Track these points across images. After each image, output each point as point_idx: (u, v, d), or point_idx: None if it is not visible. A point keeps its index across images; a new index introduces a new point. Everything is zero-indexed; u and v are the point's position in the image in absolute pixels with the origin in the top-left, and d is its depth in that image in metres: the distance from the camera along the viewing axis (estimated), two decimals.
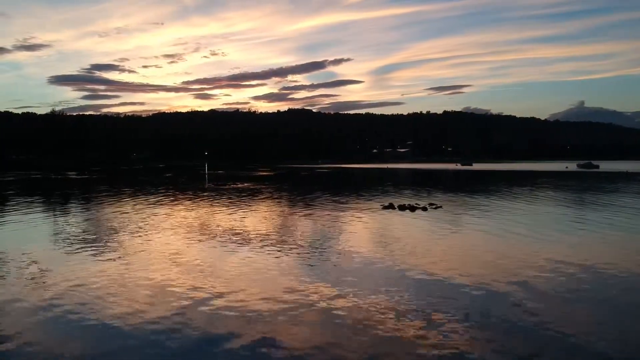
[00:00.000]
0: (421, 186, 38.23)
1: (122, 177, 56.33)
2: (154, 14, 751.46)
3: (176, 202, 25.50)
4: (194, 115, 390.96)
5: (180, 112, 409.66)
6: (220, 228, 16.35)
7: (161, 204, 24.04)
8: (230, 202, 24.48)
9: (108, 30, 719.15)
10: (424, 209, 20.78)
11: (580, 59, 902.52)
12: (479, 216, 18.47)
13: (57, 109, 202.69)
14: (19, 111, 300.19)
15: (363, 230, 15.47)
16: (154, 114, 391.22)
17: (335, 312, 9.04)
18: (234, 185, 37.34)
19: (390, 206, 21.62)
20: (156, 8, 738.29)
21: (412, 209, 20.77)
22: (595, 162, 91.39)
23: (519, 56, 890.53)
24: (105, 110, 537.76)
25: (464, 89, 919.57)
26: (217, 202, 24.64)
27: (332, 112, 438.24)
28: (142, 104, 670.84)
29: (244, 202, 24.92)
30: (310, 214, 19.85)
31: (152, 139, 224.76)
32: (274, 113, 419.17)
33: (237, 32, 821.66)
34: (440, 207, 21.41)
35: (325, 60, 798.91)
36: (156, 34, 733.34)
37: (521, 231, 14.75)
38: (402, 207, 21.08)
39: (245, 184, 39.55)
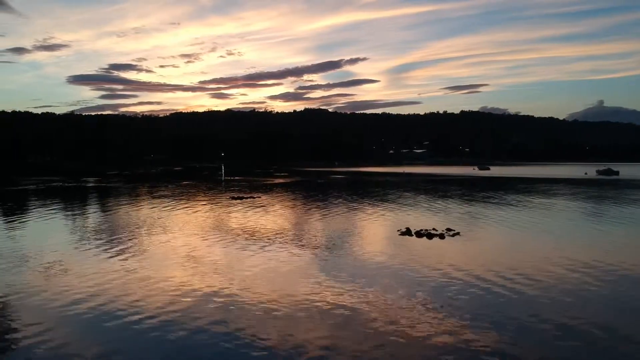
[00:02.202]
0: (437, 199, 38.04)
1: (140, 185, 56.75)
2: (170, 14, 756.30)
3: (196, 218, 25.55)
4: (210, 114, 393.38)
5: (197, 112, 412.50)
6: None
7: (180, 219, 24.16)
8: (245, 224, 24.49)
9: (126, 30, 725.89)
10: (441, 236, 20.65)
11: (599, 57, 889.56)
12: (496, 252, 18.33)
13: (76, 108, 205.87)
14: (39, 111, 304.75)
15: (376, 265, 15.29)
16: (171, 114, 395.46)
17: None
18: (251, 198, 37.50)
19: (407, 232, 21.53)
20: (173, 8, 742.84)
21: (430, 236, 20.68)
22: (615, 168, 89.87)
23: (536, 55, 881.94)
24: (123, 109, 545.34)
25: (481, 89, 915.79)
26: (236, 222, 24.69)
27: (348, 112, 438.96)
28: (159, 103, 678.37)
29: (258, 222, 24.90)
30: (322, 235, 19.80)
31: (169, 140, 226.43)
32: (290, 113, 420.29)
33: (253, 32, 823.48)
34: (458, 233, 21.26)
35: (341, 60, 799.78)
36: (173, 34, 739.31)
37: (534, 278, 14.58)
38: (419, 234, 20.98)
39: (262, 196, 39.71)
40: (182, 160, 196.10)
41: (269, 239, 20.14)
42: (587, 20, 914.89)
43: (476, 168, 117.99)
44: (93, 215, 27.95)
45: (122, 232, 22.22)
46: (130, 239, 20.28)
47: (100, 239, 20.29)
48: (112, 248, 18.42)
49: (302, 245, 18.78)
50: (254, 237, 20.62)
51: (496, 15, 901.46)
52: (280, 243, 19.27)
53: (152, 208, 31.58)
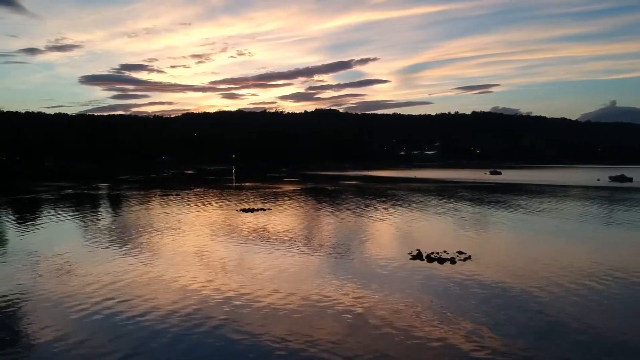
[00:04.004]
0: (449, 212, 37.92)
1: (151, 193, 57.06)
2: (181, 15, 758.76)
3: (204, 235, 25.62)
4: (221, 115, 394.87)
5: (208, 112, 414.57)
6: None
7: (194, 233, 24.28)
8: (255, 245, 24.50)
9: (137, 30, 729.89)
10: (452, 261, 20.55)
11: (611, 57, 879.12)
12: (507, 281, 18.15)
13: (88, 109, 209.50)
14: (51, 111, 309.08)
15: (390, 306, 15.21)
16: (182, 114, 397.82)
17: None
18: (262, 210, 37.55)
19: (419, 256, 21.41)
20: (184, 9, 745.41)
21: (441, 260, 20.58)
22: (628, 174, 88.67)
23: (548, 55, 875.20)
24: (134, 109, 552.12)
25: (493, 89, 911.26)
26: (246, 246, 24.73)
27: (359, 112, 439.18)
28: (170, 103, 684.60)
29: (266, 239, 24.92)
30: (332, 257, 19.72)
31: (180, 141, 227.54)
32: (301, 113, 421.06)
33: (264, 32, 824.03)
34: (469, 257, 21.13)
35: (352, 60, 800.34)
36: (184, 34, 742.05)
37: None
38: (430, 259, 20.88)
39: (272, 208, 39.71)
40: (193, 161, 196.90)
41: (272, 257, 20.10)
42: (600, 20, 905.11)
43: (487, 172, 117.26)
44: (105, 229, 28.04)
45: (134, 244, 22.31)
46: (141, 251, 20.42)
47: (114, 251, 20.41)
48: (124, 256, 18.55)
49: (308, 263, 18.69)
50: (261, 256, 20.59)
51: (508, 15, 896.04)
52: (281, 265, 19.18)
53: (161, 222, 31.64)
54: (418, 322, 12.80)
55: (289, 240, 25.53)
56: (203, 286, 15.91)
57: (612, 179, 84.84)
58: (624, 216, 35.85)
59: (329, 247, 23.69)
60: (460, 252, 21.99)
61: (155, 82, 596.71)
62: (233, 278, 17.24)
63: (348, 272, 18.52)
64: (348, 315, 13.39)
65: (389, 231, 28.98)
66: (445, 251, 22.14)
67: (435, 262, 20.39)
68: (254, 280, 17.04)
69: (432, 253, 21.73)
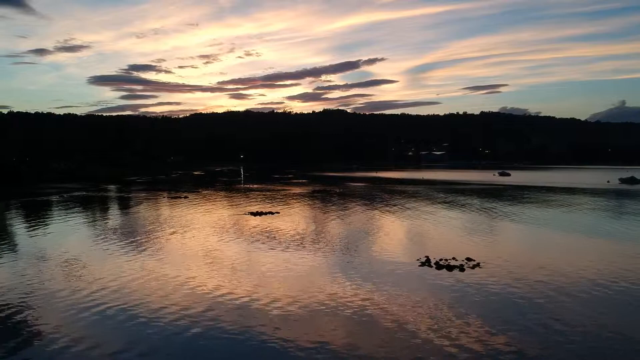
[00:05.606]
0: (457, 216, 37.81)
1: (159, 195, 57.29)
2: (189, 15, 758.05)
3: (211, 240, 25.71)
4: (229, 115, 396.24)
5: (216, 113, 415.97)
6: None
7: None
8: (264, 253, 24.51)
9: (145, 31, 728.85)
10: (461, 268, 20.44)
11: (621, 57, 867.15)
12: (514, 291, 18.03)
13: (97, 109, 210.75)
14: (60, 112, 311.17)
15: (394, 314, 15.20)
16: (190, 115, 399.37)
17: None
18: (270, 214, 37.58)
19: (427, 262, 21.36)
20: (192, 9, 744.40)
21: (449, 268, 20.48)
22: (638, 176, 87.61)
23: (557, 55, 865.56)
24: (143, 110, 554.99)
25: (501, 89, 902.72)
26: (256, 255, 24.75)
27: (366, 113, 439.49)
28: (178, 103, 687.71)
29: (275, 245, 24.95)
30: (339, 263, 19.71)
31: (189, 141, 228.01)
32: (309, 113, 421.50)
33: (272, 32, 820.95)
34: (478, 264, 21.03)
35: (359, 60, 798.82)
36: (192, 35, 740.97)
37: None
38: (439, 266, 20.80)
39: (280, 212, 39.70)
40: (202, 161, 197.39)
41: (280, 261, 20.09)
42: (609, 20, 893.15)
43: (496, 174, 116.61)
44: (114, 231, 28.16)
45: (143, 247, 22.39)
46: (151, 253, 20.50)
47: (123, 253, 20.50)
48: (133, 258, 18.62)
49: (317, 267, 18.66)
50: (269, 266, 20.60)
51: (516, 15, 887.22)
52: (290, 268, 19.16)
53: (171, 224, 31.73)
54: (427, 328, 12.82)
55: (297, 244, 25.56)
56: (213, 288, 16.38)
57: (622, 180, 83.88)
58: (633, 226, 35.53)
59: (337, 252, 23.64)
60: (469, 259, 21.87)
61: (163, 83, 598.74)
62: (243, 280, 17.64)
63: (357, 278, 18.50)
64: (358, 319, 13.53)
65: (397, 236, 28.88)
66: (454, 258, 22.04)
67: (444, 269, 20.30)
68: (263, 282, 17.36)
69: (441, 260, 21.65)
